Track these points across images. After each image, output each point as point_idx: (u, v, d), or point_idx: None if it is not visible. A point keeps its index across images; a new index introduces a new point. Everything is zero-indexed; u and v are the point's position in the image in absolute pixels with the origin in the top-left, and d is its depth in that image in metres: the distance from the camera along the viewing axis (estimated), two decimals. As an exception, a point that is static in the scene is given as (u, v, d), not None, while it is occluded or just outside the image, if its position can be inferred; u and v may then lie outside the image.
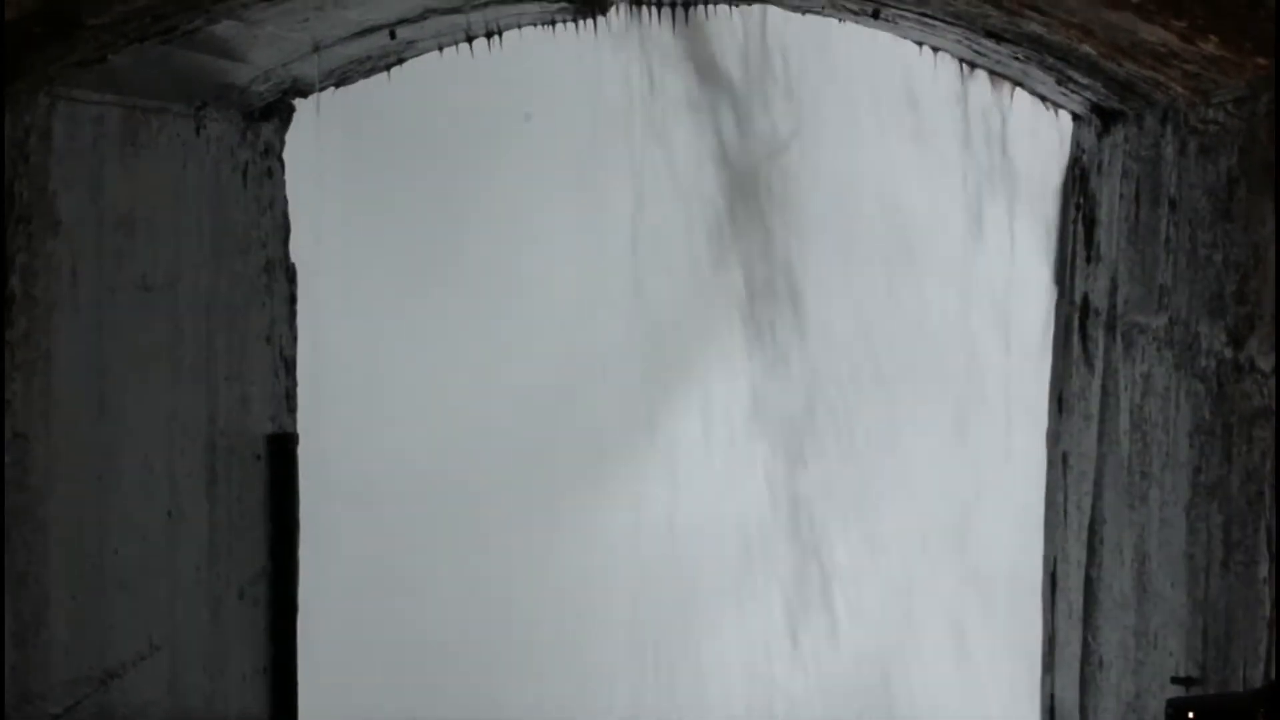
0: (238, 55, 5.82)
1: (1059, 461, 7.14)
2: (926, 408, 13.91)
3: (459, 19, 6.71)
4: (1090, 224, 6.45)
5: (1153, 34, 4.10)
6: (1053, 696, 7.34)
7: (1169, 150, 5.05)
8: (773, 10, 7.18)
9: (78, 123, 4.94)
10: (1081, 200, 6.65)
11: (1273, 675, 3.93)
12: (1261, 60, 3.82)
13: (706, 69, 14.14)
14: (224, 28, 5.28)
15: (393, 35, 6.60)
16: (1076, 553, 6.65)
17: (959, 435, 13.64)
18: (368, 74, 7.27)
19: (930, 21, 5.69)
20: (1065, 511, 6.97)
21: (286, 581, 7.13)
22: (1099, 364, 6.19)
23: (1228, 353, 4.40)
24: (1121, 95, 5.41)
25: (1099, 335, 6.19)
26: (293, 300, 7.37)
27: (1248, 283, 4.21)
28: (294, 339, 7.39)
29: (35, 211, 4.63)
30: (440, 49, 7.28)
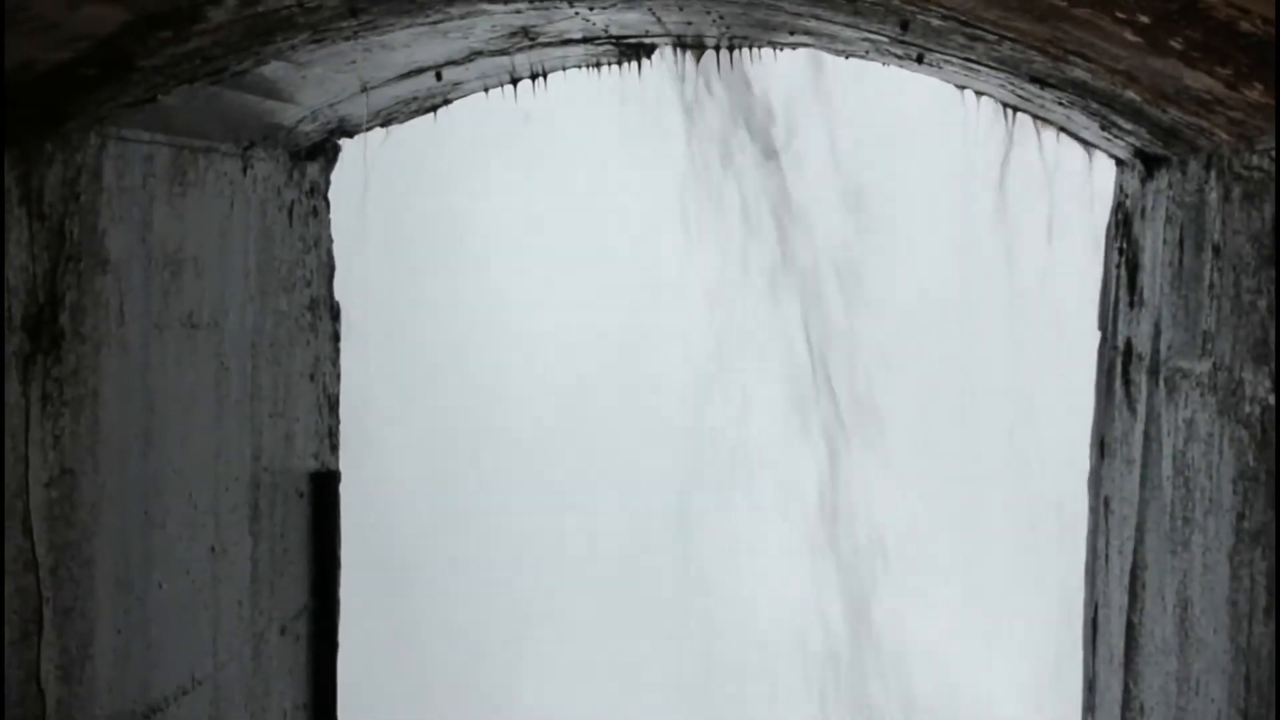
0: (286, 96, 5.87)
1: (1100, 506, 7.12)
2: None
3: (504, 61, 6.76)
4: (1133, 269, 6.44)
5: (1197, 81, 4.11)
6: (1093, 742, 7.30)
7: (1213, 196, 5.05)
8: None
9: (128, 162, 4.99)
10: (1125, 245, 6.64)
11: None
12: (1306, 108, 3.83)
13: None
14: (272, 69, 5.33)
15: (439, 77, 6.65)
16: (1118, 598, 6.63)
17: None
18: (414, 114, 7.33)
19: (974, 67, 5.71)
20: (1107, 556, 6.95)
21: (327, 618, 7.16)
22: (1141, 409, 6.17)
23: (1271, 399, 4.39)
24: (1165, 141, 5.41)
25: (1141, 380, 6.18)
26: (337, 338, 7.42)
27: (1292, 329, 4.21)
28: (337, 377, 7.43)
29: (85, 249, 4.68)
30: (486, 90, 7.33)
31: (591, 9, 5.68)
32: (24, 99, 4.13)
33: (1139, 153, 6.04)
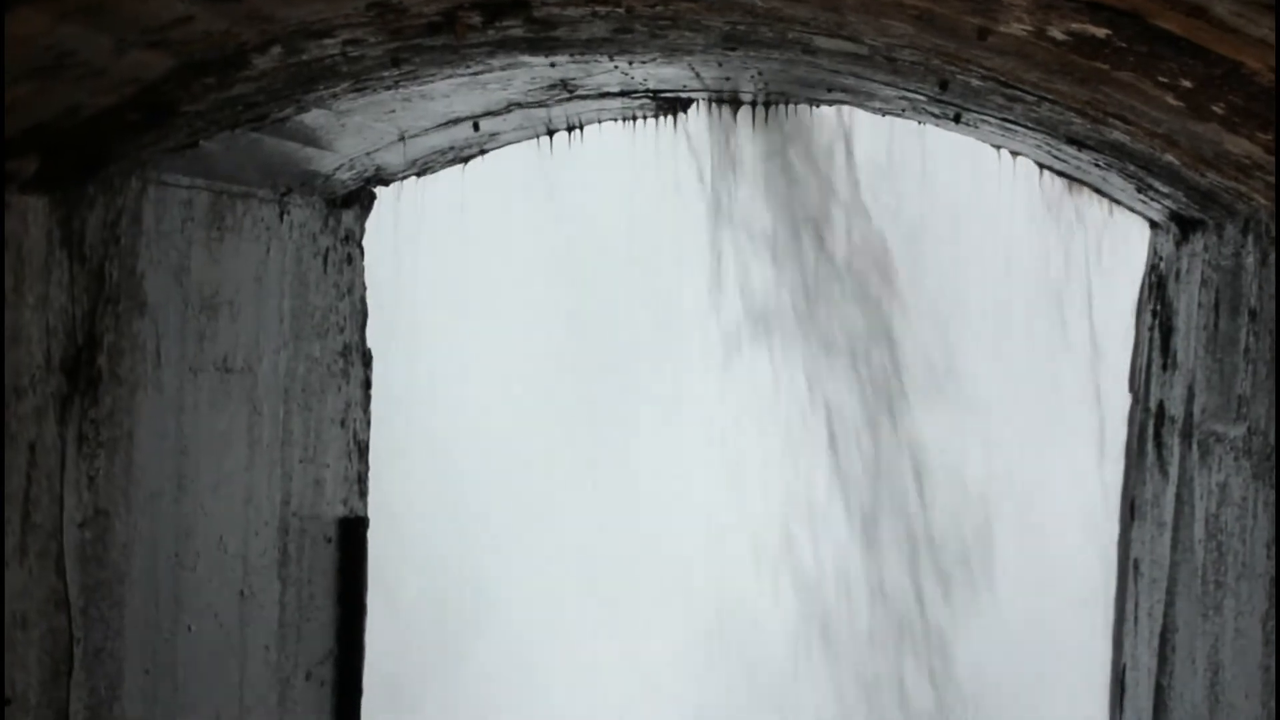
0: (324, 144, 5.91)
1: (1130, 567, 7.10)
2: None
3: (541, 113, 6.80)
4: (1167, 331, 6.44)
5: (1238, 146, 4.12)
6: (1119, 806, 7.26)
7: (1250, 260, 5.05)
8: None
9: (167, 206, 5.02)
10: (1158, 307, 6.64)
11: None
12: (1347, 174, 3.84)
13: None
14: (313, 117, 5.36)
15: (476, 127, 6.68)
16: (1147, 660, 6.60)
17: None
18: (449, 164, 7.36)
19: (1012, 127, 5.72)
20: (1136, 618, 6.93)
21: (352, 664, 7.15)
22: (1174, 471, 6.16)
23: (1307, 465, 4.38)
24: (1202, 204, 5.42)
25: (1174, 443, 6.17)
26: (368, 385, 7.43)
27: (1329, 395, 4.20)
28: (368, 423, 7.44)
29: (124, 292, 4.71)
30: (521, 141, 7.37)
31: (631, 63, 5.71)
32: (68, 143, 4.16)
33: (1174, 215, 6.04)
